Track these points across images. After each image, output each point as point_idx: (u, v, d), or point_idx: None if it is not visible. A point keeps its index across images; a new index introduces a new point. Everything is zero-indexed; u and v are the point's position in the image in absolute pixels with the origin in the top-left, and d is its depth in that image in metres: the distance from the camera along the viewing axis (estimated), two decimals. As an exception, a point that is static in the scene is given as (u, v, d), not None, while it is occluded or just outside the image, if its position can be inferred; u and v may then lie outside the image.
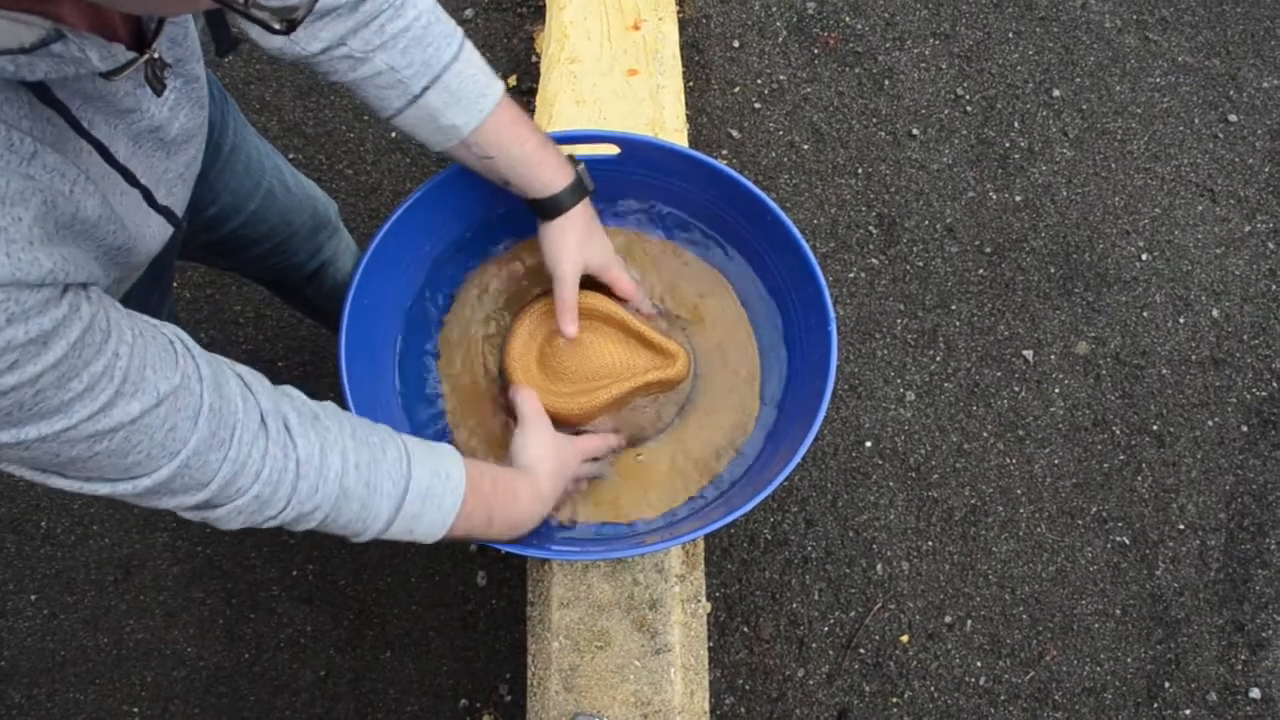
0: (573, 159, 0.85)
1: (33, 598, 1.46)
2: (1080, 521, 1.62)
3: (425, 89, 0.73)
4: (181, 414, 0.51)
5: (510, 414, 0.93)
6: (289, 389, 0.63)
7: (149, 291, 0.77)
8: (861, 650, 1.52)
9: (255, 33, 0.66)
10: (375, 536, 0.67)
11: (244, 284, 1.62)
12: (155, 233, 0.59)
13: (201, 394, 0.52)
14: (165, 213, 0.61)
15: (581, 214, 0.86)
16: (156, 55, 0.52)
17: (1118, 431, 1.68)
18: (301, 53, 0.69)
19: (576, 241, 0.86)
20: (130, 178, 0.54)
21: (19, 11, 0.38)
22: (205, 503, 0.56)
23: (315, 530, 0.64)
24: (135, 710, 1.42)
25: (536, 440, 0.84)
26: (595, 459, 0.90)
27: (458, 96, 0.75)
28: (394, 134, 1.77)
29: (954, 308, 1.74)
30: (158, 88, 0.53)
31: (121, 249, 0.54)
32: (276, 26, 0.40)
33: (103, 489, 0.51)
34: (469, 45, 0.76)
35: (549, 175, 0.82)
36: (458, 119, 0.76)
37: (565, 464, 0.84)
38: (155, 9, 0.41)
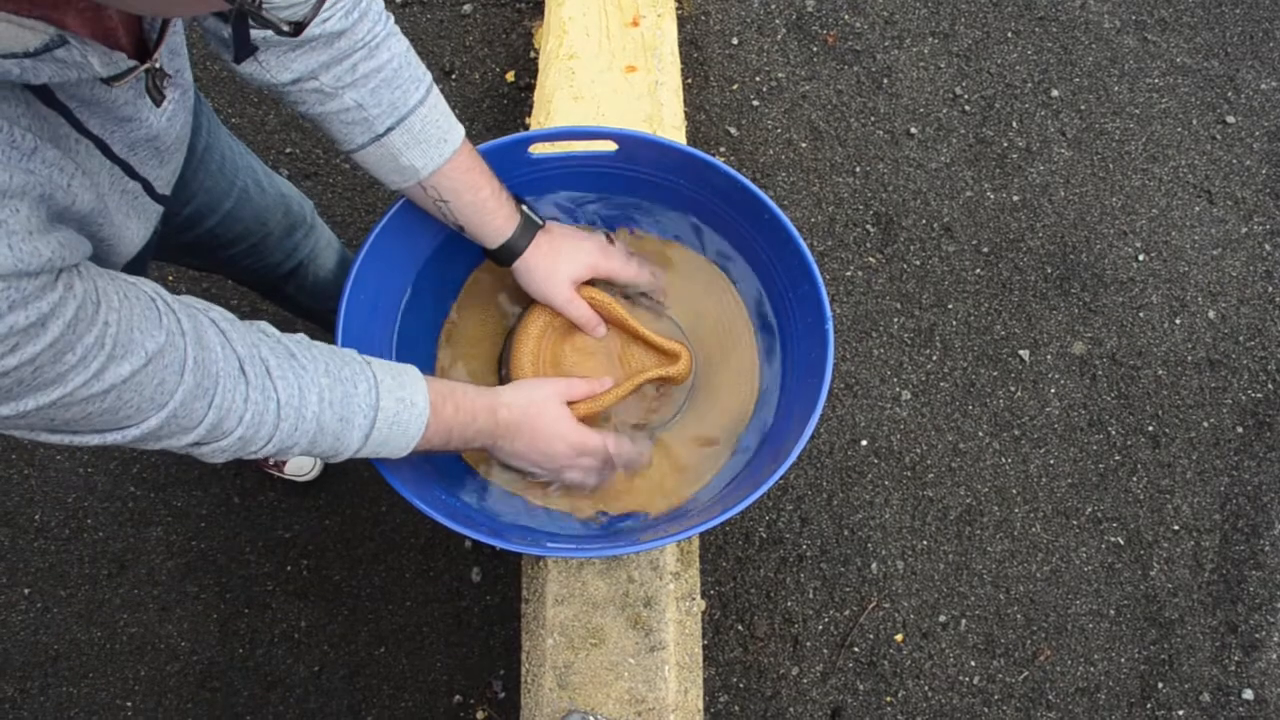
0: (518, 200, 0.87)
1: (26, 591, 1.46)
2: (1075, 522, 1.63)
3: (389, 129, 0.75)
4: (169, 369, 0.52)
5: None
6: (263, 324, 0.64)
7: None
8: (856, 649, 1.52)
9: (229, 54, 0.66)
10: (346, 460, 0.71)
11: (240, 278, 1.62)
12: (134, 235, 0.61)
13: (185, 348, 0.54)
14: (163, 201, 0.63)
15: (543, 243, 0.88)
16: (158, 65, 0.52)
17: (1113, 432, 1.69)
18: (272, 81, 0.70)
19: (547, 271, 0.88)
20: (130, 171, 0.56)
21: (23, 16, 0.39)
22: (192, 444, 0.58)
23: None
24: (128, 704, 1.42)
25: (530, 386, 0.84)
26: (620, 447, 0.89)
27: (419, 139, 0.76)
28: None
29: (951, 307, 1.74)
30: (157, 98, 0.54)
31: (104, 243, 0.55)
32: (285, 29, 0.42)
33: (93, 440, 0.53)
34: (435, 90, 0.78)
35: (500, 222, 0.84)
36: (417, 161, 0.78)
37: (548, 426, 0.83)
38: (163, 10, 0.41)
